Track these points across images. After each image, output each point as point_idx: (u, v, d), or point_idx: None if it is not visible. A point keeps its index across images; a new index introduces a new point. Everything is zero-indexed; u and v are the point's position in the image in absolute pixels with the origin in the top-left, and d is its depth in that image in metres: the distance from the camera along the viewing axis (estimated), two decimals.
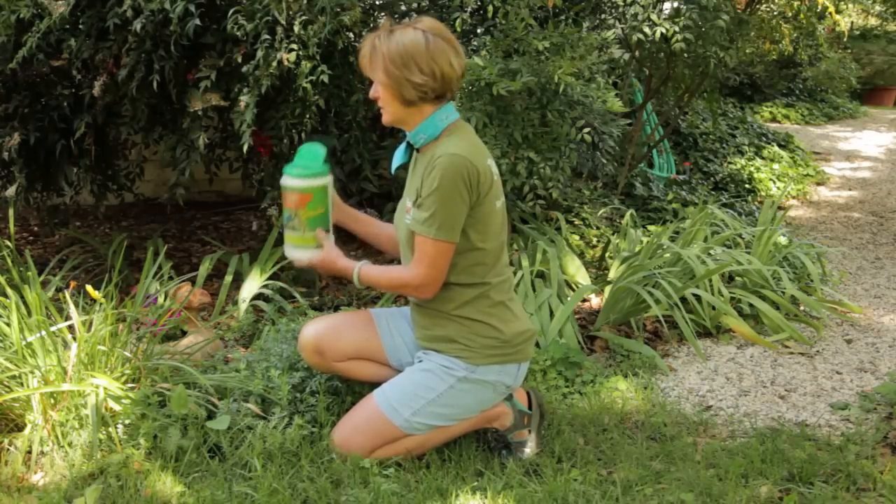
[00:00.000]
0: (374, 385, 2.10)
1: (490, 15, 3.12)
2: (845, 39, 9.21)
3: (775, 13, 4.66)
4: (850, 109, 10.00)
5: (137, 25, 2.63)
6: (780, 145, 6.68)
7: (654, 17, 3.52)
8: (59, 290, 2.82)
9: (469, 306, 2.00)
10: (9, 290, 2.22)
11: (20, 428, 2.13)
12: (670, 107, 5.51)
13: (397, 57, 1.88)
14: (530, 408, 2.24)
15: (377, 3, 3.55)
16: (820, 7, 4.25)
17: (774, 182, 5.79)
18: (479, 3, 3.26)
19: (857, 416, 2.53)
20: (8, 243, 3.04)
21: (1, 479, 1.97)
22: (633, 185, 4.85)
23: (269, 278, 3.12)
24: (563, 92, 3.08)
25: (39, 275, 2.45)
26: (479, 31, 3.74)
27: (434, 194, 1.88)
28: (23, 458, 2.03)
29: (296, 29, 2.66)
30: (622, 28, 4.11)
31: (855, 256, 4.42)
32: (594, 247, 4.04)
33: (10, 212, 3.23)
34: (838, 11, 4.85)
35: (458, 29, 3.04)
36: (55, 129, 3.19)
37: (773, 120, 8.89)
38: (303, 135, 2.90)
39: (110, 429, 2.08)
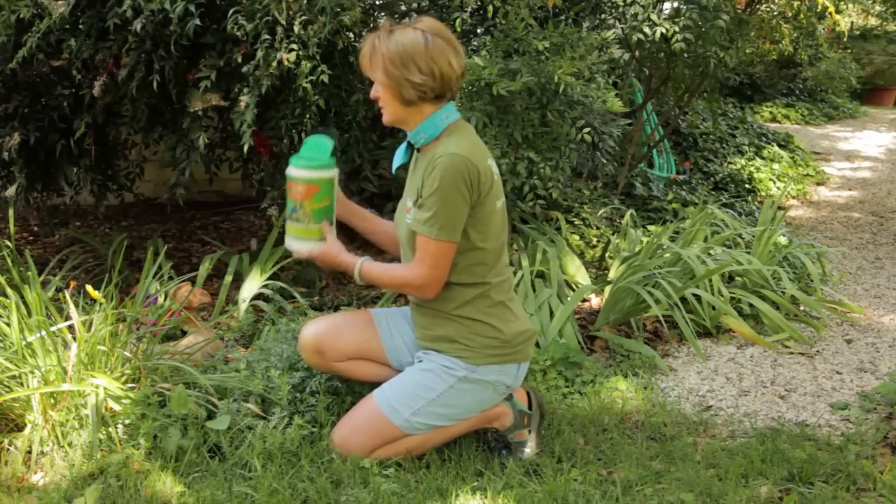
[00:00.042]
0: (374, 385, 2.10)
1: (490, 15, 3.12)
2: (845, 39, 9.21)
3: (775, 13, 4.66)
4: (850, 109, 10.00)
5: (137, 25, 2.62)
6: (780, 145, 6.68)
7: (654, 17, 3.53)
8: (59, 290, 2.82)
9: (469, 306, 2.00)
10: (9, 290, 2.22)
11: (20, 428, 2.13)
12: (670, 107, 5.51)
13: (396, 57, 1.88)
14: (530, 408, 2.24)
15: (377, 3, 3.55)
16: (820, 7, 4.25)
17: (774, 182, 5.79)
18: (479, 3, 3.27)
19: (857, 416, 2.53)
20: (8, 243, 3.04)
21: (1, 479, 1.97)
22: (633, 185, 4.85)
23: (269, 278, 3.12)
24: (563, 92, 3.08)
25: (39, 275, 2.45)
26: (479, 31, 3.74)
27: (435, 194, 1.88)
28: (23, 458, 2.03)
29: (296, 29, 2.66)
30: (622, 28, 4.11)
31: (855, 256, 4.42)
32: (594, 247, 4.04)
33: (10, 212, 3.23)
34: (838, 11, 4.85)
35: (458, 29, 3.04)
36: (55, 129, 3.19)
37: (773, 120, 8.89)
38: (303, 135, 2.90)
39: (110, 429, 2.08)
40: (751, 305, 3.28)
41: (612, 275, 3.52)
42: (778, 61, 8.54)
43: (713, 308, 3.20)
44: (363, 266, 2.02)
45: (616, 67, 4.51)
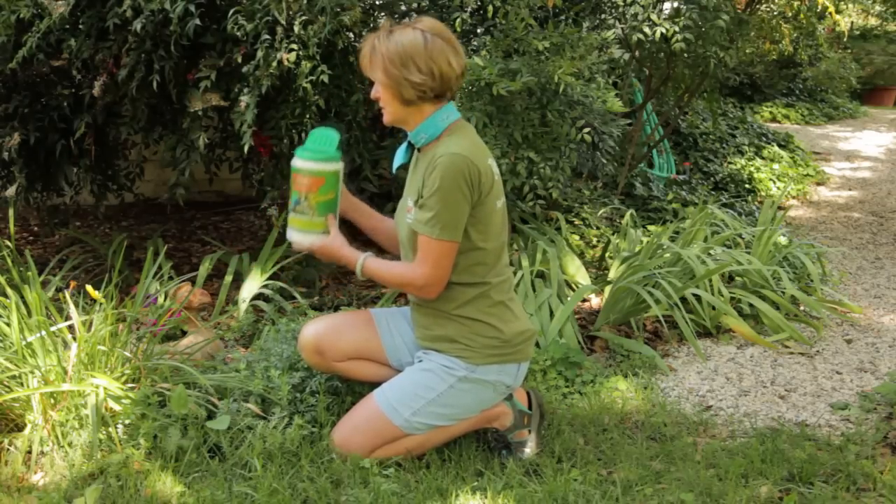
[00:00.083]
0: (374, 385, 2.10)
1: (490, 15, 3.12)
2: (845, 39, 9.21)
3: (775, 13, 4.66)
4: (850, 109, 10.01)
5: (137, 25, 2.62)
6: (780, 145, 6.68)
7: (654, 17, 3.52)
8: (59, 290, 2.82)
9: (469, 306, 2.00)
10: (9, 290, 2.22)
11: (20, 428, 2.13)
12: (670, 107, 5.51)
13: (396, 57, 1.88)
14: (530, 408, 2.24)
15: (377, 3, 3.55)
16: (820, 7, 4.25)
17: (774, 182, 5.79)
18: (479, 3, 3.27)
19: (857, 416, 2.53)
20: (8, 243, 3.04)
21: (1, 479, 1.97)
22: (633, 185, 4.85)
23: (269, 278, 3.12)
24: (563, 92, 3.08)
25: (39, 275, 2.45)
26: (479, 31, 3.74)
27: (436, 195, 1.88)
28: (23, 458, 2.03)
29: (296, 29, 2.66)
30: (622, 28, 4.11)
31: (855, 256, 4.42)
32: (594, 247, 4.04)
33: (10, 212, 3.23)
34: (838, 11, 4.85)
35: (458, 29, 3.04)
36: (55, 129, 3.19)
37: (773, 120, 8.89)
38: (303, 135, 2.90)
39: (110, 429, 2.08)
40: (751, 305, 3.28)
41: (612, 275, 3.52)
42: (778, 61, 8.54)
43: (713, 308, 3.20)
44: (366, 262, 2.02)
45: (616, 67, 4.51)
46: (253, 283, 3.07)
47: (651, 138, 5.33)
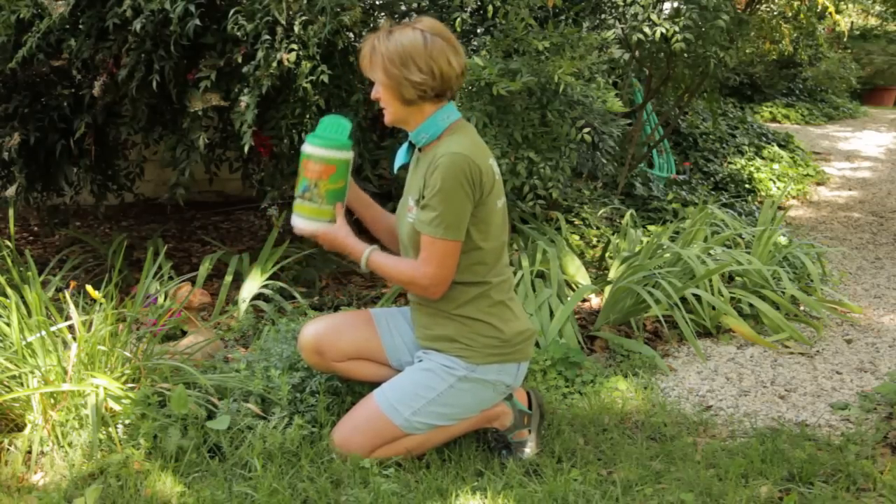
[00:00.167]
0: (374, 385, 2.10)
1: (490, 15, 3.12)
2: (845, 39, 9.21)
3: (775, 13, 4.66)
4: (850, 109, 10.01)
5: (137, 25, 2.62)
6: (780, 145, 6.68)
7: (654, 17, 3.52)
8: (59, 290, 2.82)
9: (469, 305, 2.00)
10: (9, 290, 2.22)
11: (20, 428, 2.13)
12: (670, 107, 5.51)
13: (396, 56, 1.88)
14: (530, 408, 2.24)
15: (377, 3, 3.55)
16: (820, 7, 4.25)
17: (774, 182, 5.79)
18: (479, 3, 3.27)
19: (857, 416, 2.53)
20: (8, 243, 3.04)
21: (1, 479, 1.97)
22: (633, 185, 4.85)
23: (269, 278, 3.12)
24: (563, 92, 3.08)
25: (39, 275, 2.45)
26: (479, 31, 3.74)
27: (438, 195, 1.88)
28: (23, 458, 2.03)
29: (296, 29, 2.66)
30: (622, 28, 4.11)
31: (855, 256, 4.42)
32: (594, 247, 4.04)
33: (10, 212, 3.23)
34: (838, 11, 4.85)
35: (458, 29, 3.04)
36: (55, 129, 3.19)
37: (773, 120, 8.89)
38: (303, 135, 2.90)
39: (110, 429, 2.08)
40: (751, 305, 3.28)
41: (612, 275, 3.52)
42: (778, 61, 8.55)
43: (713, 308, 3.20)
44: (372, 255, 2.01)
45: (616, 67, 4.51)
46: (253, 283, 3.07)
47: (651, 138, 5.33)
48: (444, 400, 2.01)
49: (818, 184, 6.23)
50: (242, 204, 4.80)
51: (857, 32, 11.77)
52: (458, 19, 3.05)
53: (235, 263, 3.31)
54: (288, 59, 2.63)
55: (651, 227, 4.28)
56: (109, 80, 2.87)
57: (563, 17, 3.62)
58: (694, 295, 3.16)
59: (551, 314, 2.96)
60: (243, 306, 2.97)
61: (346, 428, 2.05)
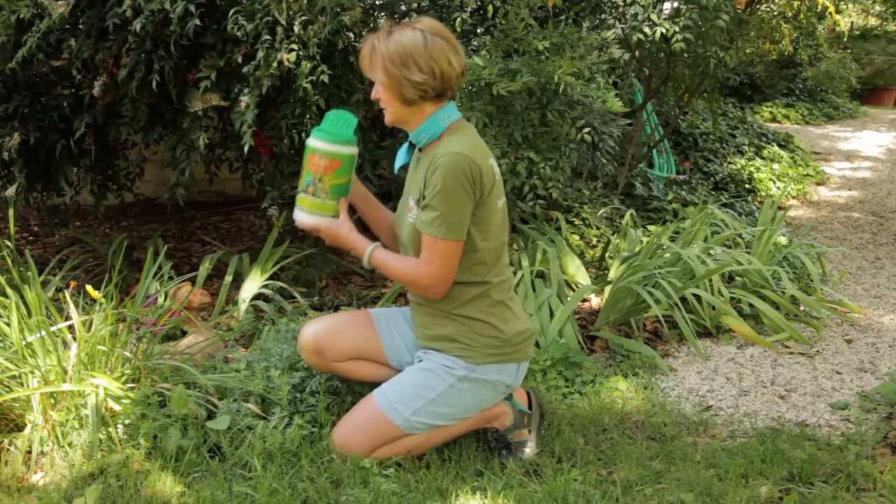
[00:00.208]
0: (374, 385, 2.10)
1: (490, 15, 3.12)
2: (845, 39, 9.22)
3: (775, 13, 4.66)
4: (850, 109, 10.01)
5: (137, 25, 2.63)
6: (780, 145, 6.69)
7: (654, 17, 3.52)
8: (59, 290, 2.82)
9: (469, 305, 2.00)
10: (9, 290, 2.22)
11: (20, 428, 2.13)
12: (670, 107, 5.51)
13: (396, 56, 1.88)
14: (530, 408, 2.24)
15: (377, 3, 3.55)
16: (820, 7, 4.25)
17: (774, 182, 5.79)
18: (479, 3, 3.27)
19: (857, 416, 2.53)
20: (8, 243, 3.04)
21: (1, 479, 1.97)
22: (633, 185, 4.85)
23: (269, 278, 3.12)
24: (563, 92, 3.08)
25: (39, 275, 2.45)
26: (479, 31, 3.74)
27: (439, 195, 1.88)
28: (23, 458, 2.03)
29: (296, 29, 2.66)
30: (622, 28, 4.11)
31: (855, 256, 4.42)
32: (594, 247, 4.04)
33: (10, 212, 3.23)
34: (838, 11, 4.85)
35: (458, 29, 3.04)
36: (55, 129, 3.19)
37: (773, 120, 8.89)
38: (303, 135, 2.90)
39: (110, 429, 2.08)
40: (751, 305, 3.28)
41: (612, 275, 3.52)
42: (778, 61, 8.55)
43: (713, 308, 3.20)
44: (375, 252, 2.01)
45: (616, 67, 4.51)
46: (253, 283, 3.07)
47: (651, 138, 5.33)
48: (444, 400, 2.01)
49: (818, 184, 6.23)
50: (242, 204, 4.80)
51: (857, 32, 11.77)
52: (458, 19, 3.05)
53: (235, 263, 3.31)
54: (288, 59, 2.63)
55: (651, 227, 4.28)
56: (109, 80, 2.88)
57: (563, 17, 3.62)
58: (694, 295, 3.16)
59: (551, 314, 2.96)
60: (243, 306, 2.97)
61: (346, 428, 2.05)
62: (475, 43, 3.67)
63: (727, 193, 5.26)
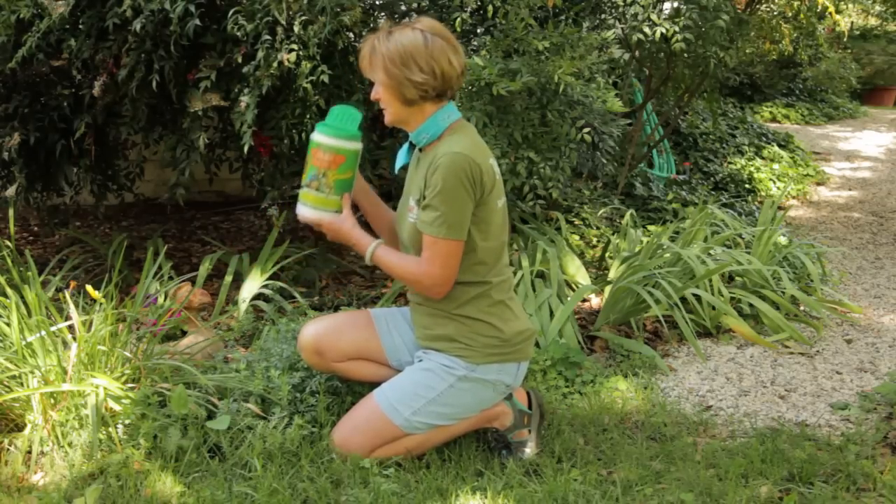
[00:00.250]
0: (374, 385, 2.10)
1: (490, 15, 3.12)
2: (845, 39, 9.22)
3: (775, 13, 4.66)
4: (850, 109, 10.01)
5: (137, 25, 2.63)
6: (780, 145, 6.69)
7: (654, 17, 3.53)
8: (59, 290, 2.82)
9: (469, 305, 2.01)
10: (9, 290, 2.22)
11: (20, 428, 2.13)
12: (670, 107, 5.51)
13: (397, 56, 1.88)
14: (530, 408, 2.24)
15: (377, 3, 3.55)
16: (820, 7, 4.25)
17: (774, 182, 5.79)
18: (479, 3, 3.27)
19: (857, 416, 2.53)
20: (8, 243, 3.04)
21: (1, 479, 1.97)
22: (633, 185, 4.85)
23: (269, 278, 3.12)
24: (563, 92, 3.08)
25: (39, 275, 2.45)
26: (479, 31, 3.74)
27: (440, 195, 1.88)
28: (23, 458, 2.03)
29: (296, 29, 2.66)
30: (622, 28, 4.11)
31: (855, 256, 4.42)
32: (594, 247, 4.04)
33: (10, 212, 3.23)
34: (838, 11, 4.85)
35: (458, 29, 3.04)
36: (55, 129, 3.19)
37: (773, 120, 8.89)
38: (303, 135, 2.90)
39: (110, 429, 2.08)
40: (751, 305, 3.28)
41: (612, 275, 3.52)
42: (778, 61, 8.55)
43: (713, 308, 3.20)
44: (378, 249, 2.00)
45: (616, 67, 4.51)
46: (253, 283, 3.07)
47: (651, 138, 5.33)
48: (444, 400, 2.01)
49: (818, 184, 6.23)
50: (242, 204, 4.80)
51: (857, 32, 11.78)
52: (458, 19, 3.05)
53: (235, 263, 3.31)
54: (288, 60, 2.63)
55: (651, 227, 4.28)
56: (109, 80, 2.88)
57: (563, 17, 3.62)
58: (694, 295, 3.16)
59: (551, 314, 2.96)
60: (243, 306, 2.97)
61: (346, 428, 2.05)
62: (475, 43, 3.67)
63: (727, 193, 5.26)
